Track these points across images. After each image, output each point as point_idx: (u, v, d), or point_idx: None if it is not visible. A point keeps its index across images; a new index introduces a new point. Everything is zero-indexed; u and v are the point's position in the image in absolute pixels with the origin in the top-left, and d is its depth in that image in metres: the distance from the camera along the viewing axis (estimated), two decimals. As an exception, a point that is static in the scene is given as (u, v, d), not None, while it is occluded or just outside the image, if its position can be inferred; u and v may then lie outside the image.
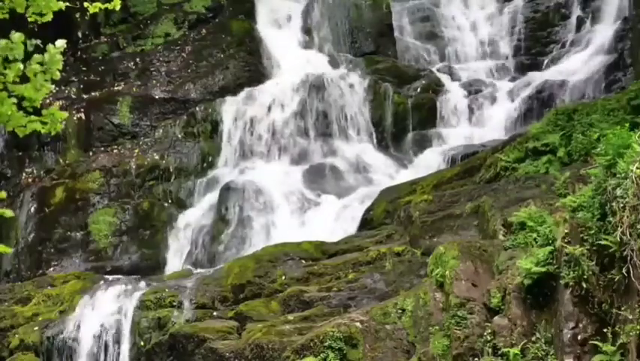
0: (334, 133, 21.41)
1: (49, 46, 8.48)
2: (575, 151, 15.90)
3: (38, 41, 8.50)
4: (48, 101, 20.89)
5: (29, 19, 8.70)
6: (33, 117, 8.78)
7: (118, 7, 9.43)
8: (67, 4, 8.92)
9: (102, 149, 21.47)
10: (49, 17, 8.68)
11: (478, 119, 21.74)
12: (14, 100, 8.66)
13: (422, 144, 21.29)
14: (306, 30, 24.12)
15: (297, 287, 15.24)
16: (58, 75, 8.59)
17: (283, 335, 13.76)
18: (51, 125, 8.84)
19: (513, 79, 22.92)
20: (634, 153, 10.64)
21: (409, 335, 12.97)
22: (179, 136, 21.38)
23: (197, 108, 21.72)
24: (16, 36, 8.37)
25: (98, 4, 9.42)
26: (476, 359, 11.98)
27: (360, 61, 23.17)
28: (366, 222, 17.75)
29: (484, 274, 12.80)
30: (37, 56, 8.40)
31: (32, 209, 20.16)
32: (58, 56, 8.45)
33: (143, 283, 16.70)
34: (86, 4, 9.42)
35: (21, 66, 8.40)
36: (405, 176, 19.72)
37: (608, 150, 11.00)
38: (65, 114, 8.97)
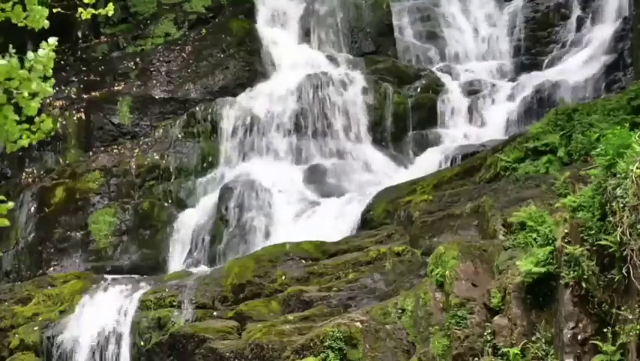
0: (334, 133, 21.41)
1: (42, 44, 8.48)
2: (575, 151, 15.90)
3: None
4: (48, 101, 20.92)
5: (18, 24, 8.68)
6: (24, 125, 8.75)
7: (111, 13, 9.44)
8: (60, 10, 8.91)
9: (102, 149, 21.48)
10: (37, 24, 8.67)
11: (478, 119, 21.74)
12: (17, 117, 8.65)
13: (422, 144, 21.29)
14: (306, 30, 24.11)
15: (297, 287, 15.24)
16: (50, 72, 8.57)
17: (283, 335, 13.76)
18: (39, 134, 8.82)
19: (513, 79, 22.92)
20: (634, 153, 10.63)
21: (408, 335, 12.98)
22: (179, 136, 21.38)
23: (197, 108, 21.72)
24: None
25: (91, 10, 9.42)
26: (476, 359, 11.98)
27: (360, 61, 23.16)
28: (366, 222, 17.74)
29: (484, 274, 12.81)
30: (30, 54, 8.39)
31: (32, 209, 20.16)
32: (51, 53, 8.43)
33: (143, 283, 16.70)
34: (80, 10, 9.43)
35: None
36: (405, 176, 19.71)
37: (608, 150, 10.99)
38: (50, 125, 8.92)
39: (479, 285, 12.61)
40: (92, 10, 9.39)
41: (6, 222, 9.10)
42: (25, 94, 8.35)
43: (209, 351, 14.27)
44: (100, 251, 19.55)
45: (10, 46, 8.39)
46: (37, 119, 8.74)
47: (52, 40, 8.44)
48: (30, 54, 8.35)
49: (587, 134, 15.75)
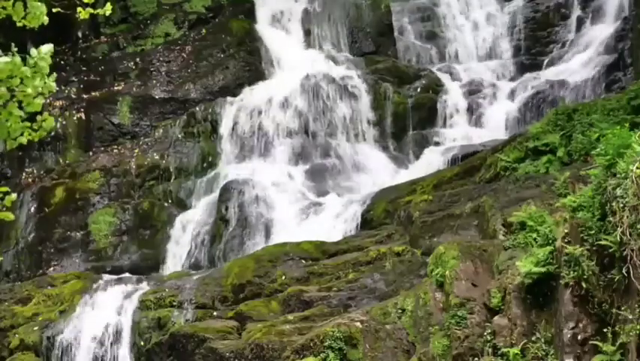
0: (334, 133, 21.40)
1: (40, 48, 8.46)
2: (575, 151, 15.90)
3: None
4: (48, 101, 20.90)
5: (17, 23, 8.67)
6: (26, 123, 8.75)
7: (109, 13, 9.44)
8: (60, 10, 8.88)
9: (102, 149, 21.48)
10: (36, 21, 8.65)
11: (478, 119, 21.75)
12: (21, 114, 8.64)
13: (422, 144, 21.28)
14: (306, 30, 24.12)
15: (297, 287, 15.24)
16: (45, 76, 8.54)
17: (283, 335, 13.76)
18: (41, 132, 8.82)
19: (513, 79, 22.93)
20: (634, 153, 10.63)
21: (409, 335, 12.98)
22: (179, 136, 21.38)
23: (197, 108, 21.73)
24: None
25: (89, 10, 9.42)
26: (476, 359, 11.99)
27: (360, 61, 23.16)
28: (366, 222, 17.74)
29: (484, 274, 12.81)
30: (34, 51, 8.39)
31: (32, 209, 20.16)
32: (48, 58, 8.41)
33: (143, 283, 16.71)
34: (79, 10, 9.42)
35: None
36: (405, 176, 19.72)
37: (608, 150, 10.99)
38: (52, 122, 8.91)
39: (479, 285, 12.61)
40: (91, 10, 9.38)
41: (11, 216, 9.14)
42: (30, 90, 8.34)
43: (209, 351, 14.27)
44: (100, 251, 19.55)
45: (13, 44, 8.38)
46: (39, 117, 8.74)
47: (49, 47, 8.43)
48: (34, 51, 8.35)
49: (587, 134, 15.75)
